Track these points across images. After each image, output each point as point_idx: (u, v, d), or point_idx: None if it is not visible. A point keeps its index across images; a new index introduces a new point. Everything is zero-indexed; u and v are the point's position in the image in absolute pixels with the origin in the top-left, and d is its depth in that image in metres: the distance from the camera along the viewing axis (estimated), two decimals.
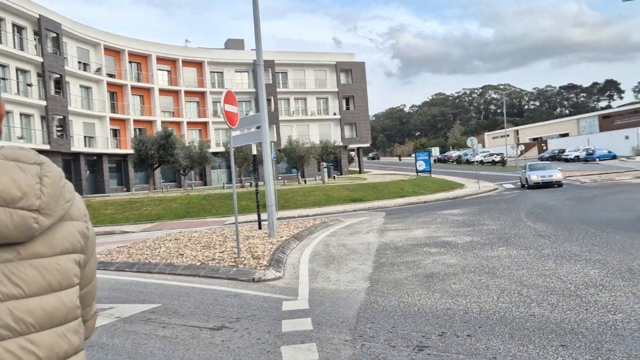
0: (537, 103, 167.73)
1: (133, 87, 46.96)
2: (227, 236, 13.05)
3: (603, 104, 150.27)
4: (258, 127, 15.14)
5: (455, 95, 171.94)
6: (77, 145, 40.35)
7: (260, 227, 14.53)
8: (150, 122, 48.07)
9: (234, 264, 8.69)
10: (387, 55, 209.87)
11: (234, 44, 57.23)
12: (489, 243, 9.82)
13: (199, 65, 52.52)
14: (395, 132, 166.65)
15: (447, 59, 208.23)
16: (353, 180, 35.62)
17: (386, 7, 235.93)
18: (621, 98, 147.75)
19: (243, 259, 9.04)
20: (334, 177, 44.45)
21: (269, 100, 55.34)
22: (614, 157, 55.97)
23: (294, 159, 38.66)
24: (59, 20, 39.06)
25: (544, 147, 71.11)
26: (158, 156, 29.36)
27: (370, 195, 26.48)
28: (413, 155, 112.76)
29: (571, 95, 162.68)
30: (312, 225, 14.94)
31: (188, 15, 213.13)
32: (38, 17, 36.58)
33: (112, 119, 44.53)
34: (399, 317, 5.38)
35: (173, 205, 23.53)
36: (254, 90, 53.90)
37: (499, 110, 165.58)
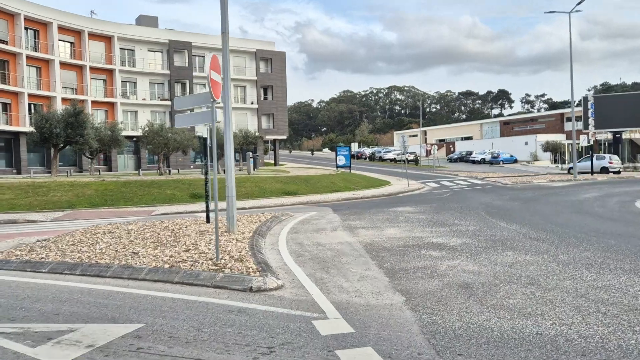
0: (438, 106, 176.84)
1: (29, 57, 41.63)
2: (175, 231, 11.21)
3: (496, 111, 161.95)
4: (208, 107, 13.37)
5: (363, 93, 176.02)
6: None
7: (208, 221, 12.80)
8: (49, 98, 43.02)
9: (215, 267, 7.09)
10: (294, 50, 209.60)
11: (146, 21, 53.08)
12: (487, 246, 9.08)
13: (107, 40, 47.98)
14: (302, 127, 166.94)
15: (352, 58, 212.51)
16: (277, 173, 34.20)
17: (296, 2, 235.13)
18: (511, 107, 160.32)
19: (223, 261, 7.45)
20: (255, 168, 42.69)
21: (183, 84, 52.07)
22: (515, 161, 59.74)
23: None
24: None
25: (452, 149, 74.38)
26: (65, 135, 25.83)
27: (303, 189, 25.32)
28: (324, 150, 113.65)
29: (468, 101, 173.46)
30: (265, 219, 13.47)
31: None
32: None
33: (1, 91, 39.12)
34: (488, 346, 4.28)
35: (87, 192, 20.66)
36: (168, 72, 50.41)
37: (402, 111, 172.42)
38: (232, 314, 5.40)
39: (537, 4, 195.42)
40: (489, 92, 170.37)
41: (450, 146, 76.25)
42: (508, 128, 75.43)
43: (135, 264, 7.54)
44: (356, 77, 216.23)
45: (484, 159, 60.72)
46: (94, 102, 46.02)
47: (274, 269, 7.41)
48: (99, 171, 37.75)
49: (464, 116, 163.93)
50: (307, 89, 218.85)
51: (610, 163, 38.68)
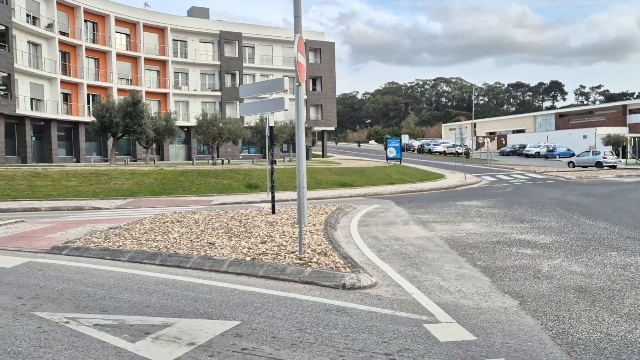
0: (487, 98, 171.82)
1: (88, 49, 42.79)
2: (242, 221, 10.97)
3: (547, 103, 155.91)
4: (277, 94, 13.06)
5: (408, 85, 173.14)
6: (23, 107, 36.19)
7: (274, 212, 12.51)
8: (105, 89, 44.09)
9: (300, 261, 6.73)
10: (338, 41, 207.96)
11: (198, 12, 53.57)
12: (584, 245, 8.36)
13: (161, 31, 48.72)
14: (347, 118, 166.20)
15: (396, 49, 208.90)
16: (328, 164, 33.81)
17: None
18: (564, 99, 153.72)
19: (307, 254, 7.09)
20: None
21: (233, 75, 52.37)
22: (573, 154, 57.15)
23: (263, 138, 36.26)
24: None
25: (503, 142, 72.04)
26: (124, 125, 26.29)
27: (358, 181, 24.84)
28: (371, 142, 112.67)
29: (518, 93, 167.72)
30: (330, 211, 13.08)
31: None
32: None
33: (63, 82, 40.34)
34: None
35: (146, 180, 20.89)
36: (218, 62, 50.80)
37: (449, 103, 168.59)
38: (332, 314, 5.00)
39: None
40: (540, 84, 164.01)
41: (502, 139, 73.82)
42: (564, 121, 72.32)
43: (215, 255, 7.27)
44: (400, 69, 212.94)
45: (539, 152, 58.44)
46: (147, 93, 46.90)
47: (360, 265, 6.99)
48: (154, 160, 38.49)
49: (513, 108, 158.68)
50: (351, 80, 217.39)
51: None
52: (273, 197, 12.70)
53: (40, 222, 12.25)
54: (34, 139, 37.99)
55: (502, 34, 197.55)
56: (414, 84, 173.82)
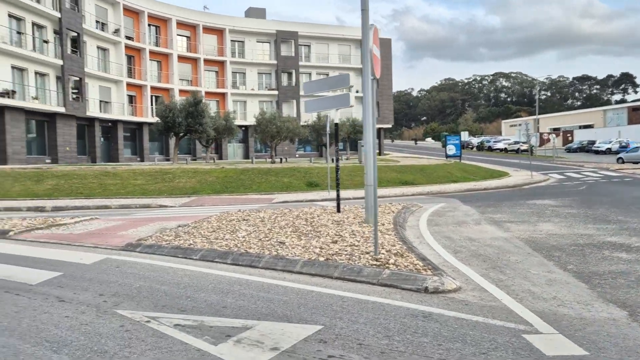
0: (549, 93, 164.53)
1: (151, 52, 44.32)
2: (309, 220, 10.81)
3: (617, 97, 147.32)
4: (343, 91, 12.86)
5: (465, 81, 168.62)
6: (93, 109, 37.89)
7: (339, 210, 12.29)
8: (167, 90, 45.53)
9: (376, 263, 6.45)
10: (391, 38, 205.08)
11: (255, 13, 54.30)
12: None
13: (219, 32, 49.74)
14: (402, 116, 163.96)
15: (452, 44, 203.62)
16: (387, 162, 33.26)
17: None
18: (636, 92, 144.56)
19: (383, 255, 6.79)
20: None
21: (290, 74, 52.67)
22: None
23: (321, 136, 36.13)
24: None
25: (570, 138, 68.70)
26: (186, 124, 26.92)
27: (420, 179, 24.24)
28: (427, 139, 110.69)
29: (584, 87, 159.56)
30: (396, 210, 12.71)
31: None
32: None
33: (128, 85, 41.98)
34: None
35: (208, 179, 21.24)
36: (275, 62, 51.24)
37: (509, 99, 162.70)
38: (418, 320, 4.69)
39: None
40: (609, 76, 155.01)
41: (568, 135, 70.40)
42: (637, 115, 68.01)
43: (287, 254, 7.11)
44: (456, 65, 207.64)
45: (610, 149, 55.18)
46: (206, 93, 47.96)
47: (439, 267, 6.62)
48: (214, 159, 39.28)
49: (579, 103, 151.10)
50: (405, 77, 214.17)
51: None
52: (338, 195, 12.47)
53: (112, 220, 12.61)
54: (102, 139, 39.71)
55: (566, 25, 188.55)
56: (471, 79, 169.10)
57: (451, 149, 42.67)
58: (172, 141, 45.00)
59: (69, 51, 34.84)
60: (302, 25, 53.49)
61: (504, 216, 12.02)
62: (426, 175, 25.26)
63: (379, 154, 55.40)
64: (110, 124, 40.38)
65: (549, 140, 63.90)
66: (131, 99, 43.07)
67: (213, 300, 5.45)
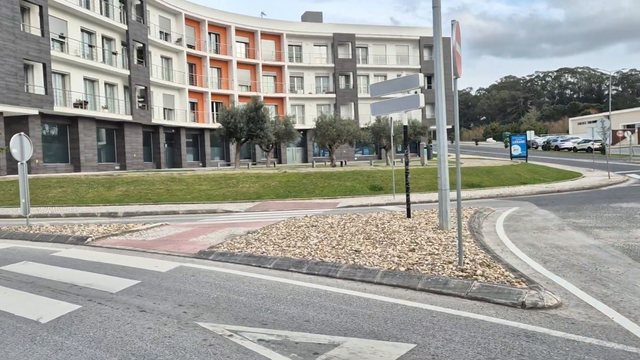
0: (620, 88, 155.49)
1: (212, 59, 45.40)
2: (379, 226, 10.47)
3: None
4: (412, 92, 12.45)
5: (527, 78, 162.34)
6: (157, 117, 39.21)
7: (409, 215, 11.86)
8: (227, 96, 46.45)
9: (462, 273, 6.03)
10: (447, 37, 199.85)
11: (312, 17, 54.55)
12: None
13: (277, 37, 50.27)
14: (460, 116, 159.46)
15: (511, 41, 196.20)
16: (450, 165, 32.20)
17: None
18: None
19: (468, 265, 6.36)
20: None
21: (347, 77, 52.45)
22: None
23: (381, 138, 35.56)
24: None
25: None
26: (247, 130, 27.24)
27: (487, 181, 23.29)
28: (488, 139, 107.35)
29: None
30: (469, 215, 12.13)
31: None
32: None
33: (190, 92, 43.17)
34: None
35: (271, 184, 21.31)
36: (332, 65, 51.20)
37: (575, 95, 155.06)
38: (521, 340, 4.26)
39: None
40: None
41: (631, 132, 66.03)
42: None
43: (364, 264, 6.82)
44: (516, 62, 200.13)
45: None
46: (265, 98, 48.46)
47: (532, 278, 6.11)
48: (274, 163, 39.64)
49: None
50: (463, 76, 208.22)
51: None
52: (408, 200, 12.05)
53: (181, 226, 12.77)
54: (166, 145, 41.01)
55: (635, 16, 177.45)
56: (533, 76, 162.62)
57: (516, 149, 40.95)
58: (233, 146, 46.02)
59: (135, 61, 36.23)
60: (359, 28, 53.19)
61: (588, 221, 11.18)
62: (493, 177, 24.25)
63: (429, 157, 54.08)
64: (173, 130, 41.65)
65: (623, 137, 60.28)
66: (193, 105, 44.26)
67: (294, 313, 5.23)
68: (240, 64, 47.75)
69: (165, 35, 41.63)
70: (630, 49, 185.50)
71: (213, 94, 45.35)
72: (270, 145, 33.18)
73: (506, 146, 78.58)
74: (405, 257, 7.12)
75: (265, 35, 49.55)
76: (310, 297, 5.81)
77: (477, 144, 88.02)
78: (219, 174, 22.74)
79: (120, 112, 35.23)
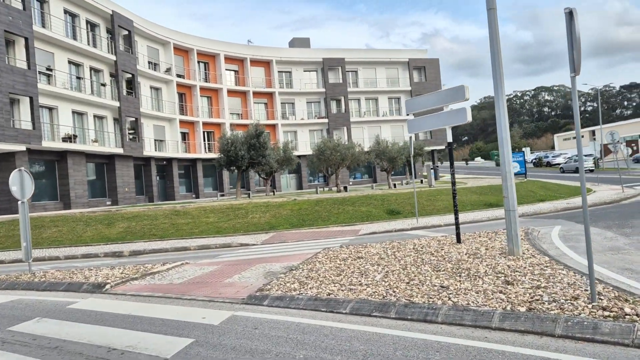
0: (595, 104, 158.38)
1: (202, 88, 44.39)
2: (434, 254, 9.33)
3: None
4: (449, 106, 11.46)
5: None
6: (149, 149, 37.85)
7: (459, 240, 10.75)
8: (219, 125, 45.36)
9: (606, 312, 4.90)
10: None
11: (299, 43, 54.15)
12: None
13: (266, 64, 49.62)
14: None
15: (485, 63, 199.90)
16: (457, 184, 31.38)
17: (423, 14, 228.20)
18: None
19: (605, 302, 5.23)
20: (421, 180, 40.32)
21: (338, 101, 51.86)
22: None
23: (383, 161, 34.65)
24: (130, 17, 36.73)
25: (634, 147, 64.89)
26: (249, 157, 26.06)
27: (502, 200, 22.31)
28: (477, 159, 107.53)
29: (633, 95, 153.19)
30: (521, 235, 11.06)
31: (228, 27, 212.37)
32: (111, 13, 34.28)
33: (181, 122, 41.97)
34: None
35: (283, 212, 20.08)
36: (323, 89, 50.60)
37: (552, 112, 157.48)
38: None
39: None
40: None
41: (632, 145, 66.51)
42: None
43: (468, 304, 5.66)
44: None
45: None
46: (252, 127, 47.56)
47: None
48: (274, 192, 38.38)
49: (629, 112, 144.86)
50: None
51: None
52: (457, 223, 10.92)
53: (203, 264, 11.47)
54: (158, 178, 39.53)
55: (602, 35, 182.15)
56: (511, 95, 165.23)
57: (515, 167, 40.36)
58: (226, 176, 44.68)
59: (124, 92, 35.03)
60: (348, 52, 52.88)
61: None
62: None
63: (436, 177, 53.40)
64: (165, 162, 40.26)
65: (617, 151, 60.35)
66: (184, 136, 43.01)
67: None
68: (231, 92, 46.83)
69: (154, 65, 40.58)
70: (600, 65, 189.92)
71: (204, 123, 44.19)
72: (271, 173, 32.00)
73: (497, 164, 78.60)
74: (508, 292, 5.98)
75: (254, 62, 48.85)
76: (427, 353, 4.61)
77: (467, 164, 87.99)
78: (225, 205, 21.43)
79: (110, 145, 33.81)
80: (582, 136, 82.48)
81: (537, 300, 5.52)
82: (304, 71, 51.59)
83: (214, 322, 6.26)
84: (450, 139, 10.83)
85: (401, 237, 13.90)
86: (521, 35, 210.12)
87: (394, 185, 35.02)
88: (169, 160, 40.27)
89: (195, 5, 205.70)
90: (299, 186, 49.39)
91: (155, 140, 39.59)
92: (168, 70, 41.31)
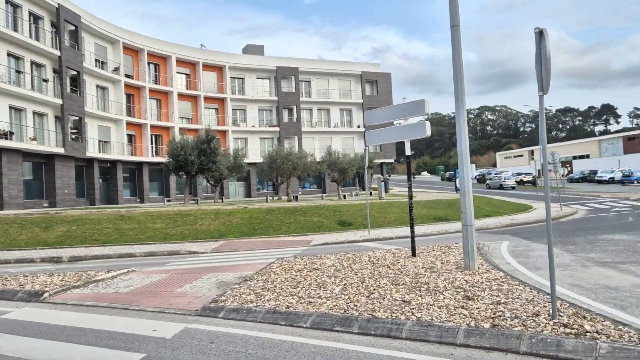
0: (534, 125, 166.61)
1: (151, 90, 43.10)
2: (391, 266, 9.30)
3: (600, 127, 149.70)
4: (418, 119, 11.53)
5: (452, 115, 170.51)
6: (92, 150, 36.25)
7: (414, 254, 10.79)
8: (167, 129, 44.17)
9: (567, 330, 4.96)
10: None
11: (253, 50, 53.79)
12: None
13: (219, 69, 48.91)
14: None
15: (434, 80, 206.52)
16: (405, 198, 31.90)
17: (375, 29, 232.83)
18: (617, 122, 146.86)
19: (565, 319, 5.30)
20: (370, 192, 40.72)
21: (290, 110, 51.78)
22: None
23: (334, 172, 34.75)
24: (78, 12, 35.23)
25: (569, 168, 68.44)
26: (199, 163, 25.39)
27: (452, 214, 22.89)
28: (423, 173, 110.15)
29: (567, 119, 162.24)
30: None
31: (180, 31, 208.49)
32: (57, 6, 32.74)
33: (128, 124, 40.51)
34: None
35: (233, 220, 19.63)
36: (276, 98, 50.37)
37: (495, 132, 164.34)
38: None
39: (635, 11, 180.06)
40: (590, 108, 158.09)
41: (567, 165, 70.15)
42: (633, 144, 68.23)
43: (432, 319, 5.60)
44: (440, 99, 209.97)
45: (613, 178, 54.79)
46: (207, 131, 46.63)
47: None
48: (222, 199, 37.63)
49: (563, 134, 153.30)
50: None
51: None
52: (413, 237, 10.97)
53: (150, 272, 10.94)
54: (100, 180, 37.90)
55: None
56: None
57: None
58: (173, 180, 43.41)
59: (68, 90, 33.44)
60: (302, 62, 52.98)
61: (600, 256, 10.62)
62: (456, 210, 23.91)
63: (386, 190, 54.16)
64: (109, 164, 38.68)
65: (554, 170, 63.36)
66: (131, 138, 41.53)
67: None
68: (181, 96, 45.73)
69: (102, 64, 39.03)
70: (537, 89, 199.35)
71: (152, 126, 42.86)
72: (220, 180, 31.32)
73: (442, 179, 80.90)
74: (470, 307, 5.98)
75: (207, 67, 48.01)
76: None
77: (414, 177, 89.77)
78: (173, 211, 20.72)
79: (50, 144, 32.10)
80: (522, 155, 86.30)
81: (500, 316, 5.54)
82: (257, 78, 51.21)
83: (166, 335, 5.90)
84: (409, 152, 10.89)
85: (354, 248, 13.85)
86: (467, 56, 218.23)
87: (344, 196, 35.15)
88: (114, 162, 38.73)
89: (146, 6, 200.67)
90: (248, 194, 48.77)
91: (99, 141, 37.98)
92: (116, 70, 39.86)
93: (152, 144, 42.95)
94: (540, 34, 5.37)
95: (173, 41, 50.26)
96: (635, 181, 52.54)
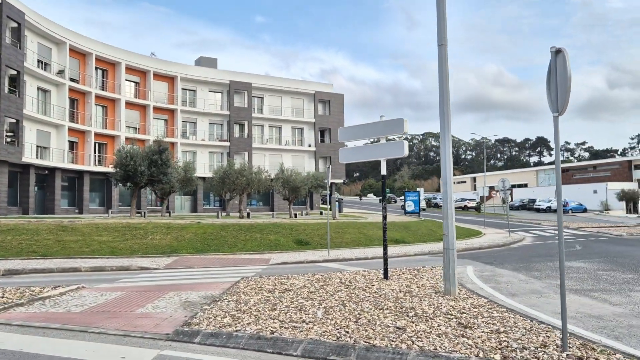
0: (474, 153, 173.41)
1: (97, 96, 41.12)
2: (367, 289, 8.91)
3: (534, 159, 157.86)
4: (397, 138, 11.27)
5: (397, 139, 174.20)
6: (29, 155, 33.94)
7: (386, 277, 10.45)
8: (113, 137, 42.21)
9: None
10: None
11: (206, 62, 52.76)
12: None
13: (170, 80, 47.54)
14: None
15: (379, 104, 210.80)
16: (357, 219, 31.84)
17: (325, 51, 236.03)
18: (550, 155, 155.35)
19: (577, 350, 5.06)
20: (321, 212, 40.44)
21: (242, 125, 51.00)
22: (585, 210, 56.24)
23: (286, 190, 34.20)
24: (22, 9, 33.24)
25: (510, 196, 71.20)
26: (149, 174, 24.18)
27: (408, 237, 22.92)
28: (370, 195, 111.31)
29: (504, 149, 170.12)
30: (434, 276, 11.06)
31: (126, 39, 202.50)
32: (0, 2, 30.73)
33: (70, 130, 38.33)
34: None
35: (186, 235, 18.65)
36: (227, 112, 49.48)
37: (437, 158, 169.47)
38: None
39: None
40: (526, 140, 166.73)
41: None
42: (567, 175, 72.09)
43: (435, 348, 5.21)
44: (437, 121, 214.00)
45: (550, 207, 57.42)
46: (154, 142, 44.96)
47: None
48: (169, 212, 36.12)
49: (501, 163, 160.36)
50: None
51: None
52: (386, 259, 10.66)
53: (103, 289, 9.99)
54: (36, 188, 35.51)
55: (480, 93, 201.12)
56: (402, 137, 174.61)
57: (410, 205, 42.14)
58: (116, 192, 41.33)
59: (6, 90, 31.28)
60: (256, 77, 52.49)
61: (568, 283, 10.69)
62: (412, 233, 24.02)
63: (330, 209, 54.03)
64: (47, 171, 36.34)
65: (492, 197, 65.82)
66: (72, 145, 39.29)
67: None
68: (129, 104, 43.94)
69: (45, 65, 36.88)
70: (477, 119, 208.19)
71: (96, 134, 40.78)
72: (168, 193, 30.01)
73: (389, 202, 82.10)
74: (470, 336, 5.66)
75: (158, 76, 46.53)
76: None
77: (360, 199, 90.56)
78: (121, 224, 19.46)
79: None
80: (465, 182, 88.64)
81: (507, 347, 5.24)
82: (210, 91, 50.18)
83: None
84: (384, 171, 10.64)
85: (315, 269, 13.37)
86: (411, 82, 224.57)
87: (295, 215, 34.64)
88: (52, 169, 36.43)
89: (92, 11, 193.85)
90: (194, 209, 47.25)
91: (37, 146, 35.67)
92: (61, 72, 37.79)
93: (95, 152, 40.84)
94: (557, 53, 5.23)
95: (125, 48, 48.51)
96: (570, 211, 55.26)
